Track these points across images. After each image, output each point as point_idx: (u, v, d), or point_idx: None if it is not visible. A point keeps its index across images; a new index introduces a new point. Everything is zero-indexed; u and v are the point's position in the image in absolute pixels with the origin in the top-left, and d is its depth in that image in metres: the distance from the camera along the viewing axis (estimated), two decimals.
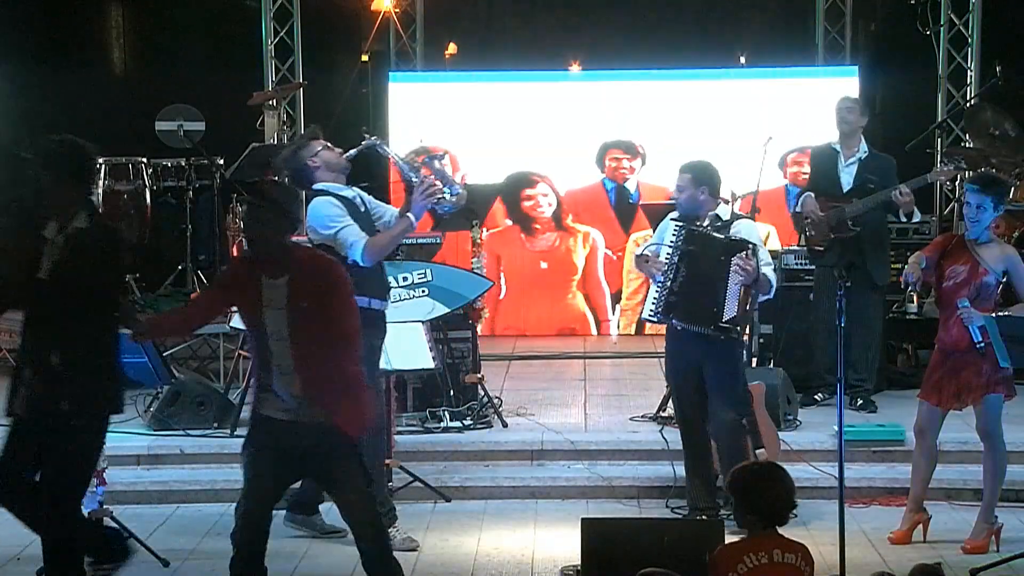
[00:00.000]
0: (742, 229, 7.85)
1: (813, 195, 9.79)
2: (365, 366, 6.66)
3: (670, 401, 8.78)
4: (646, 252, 7.96)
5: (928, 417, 7.70)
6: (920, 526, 7.74)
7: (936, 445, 7.77)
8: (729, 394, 7.84)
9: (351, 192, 7.70)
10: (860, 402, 9.70)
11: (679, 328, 7.86)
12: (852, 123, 9.70)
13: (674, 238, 7.82)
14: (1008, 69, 12.06)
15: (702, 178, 7.87)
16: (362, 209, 7.66)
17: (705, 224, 7.84)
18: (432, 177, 7.68)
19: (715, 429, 7.88)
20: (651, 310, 7.91)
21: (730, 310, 7.67)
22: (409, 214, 7.54)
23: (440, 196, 7.63)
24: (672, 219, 7.94)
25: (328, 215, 7.49)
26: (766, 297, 8.00)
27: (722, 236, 7.72)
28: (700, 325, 7.75)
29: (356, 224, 7.48)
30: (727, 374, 7.86)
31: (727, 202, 8.14)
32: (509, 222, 10.38)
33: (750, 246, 7.66)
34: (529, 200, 10.24)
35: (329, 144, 7.76)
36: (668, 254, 7.83)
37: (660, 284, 7.82)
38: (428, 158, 7.85)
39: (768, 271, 7.78)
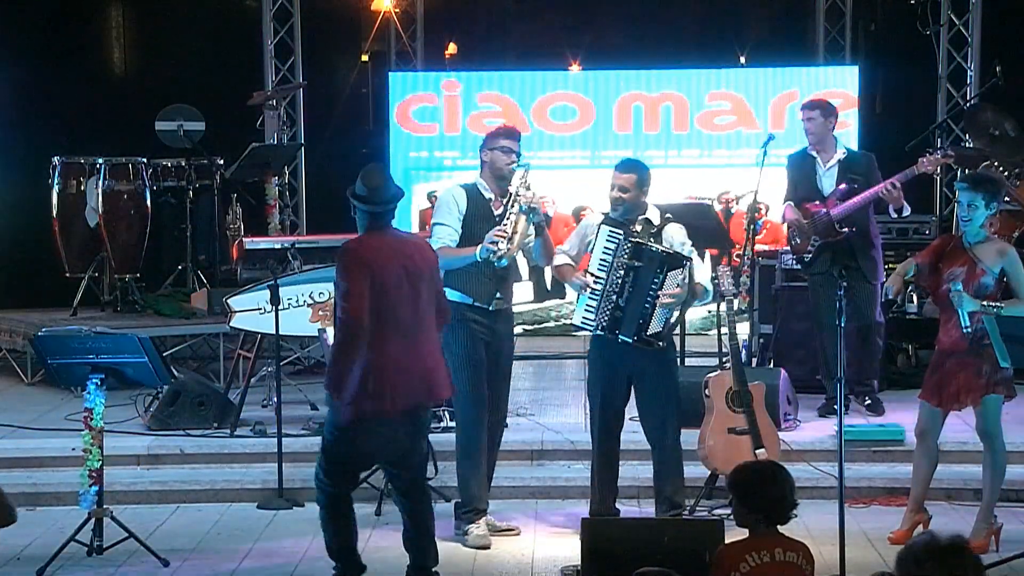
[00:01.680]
0: (674, 234, 7.81)
1: (793, 204, 9.72)
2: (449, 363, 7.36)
3: None
4: (569, 260, 7.96)
5: (929, 418, 7.70)
6: (920, 526, 7.73)
7: (937, 446, 7.77)
8: (671, 413, 7.89)
9: (491, 194, 7.83)
10: (868, 402, 9.65)
11: (610, 337, 7.80)
12: (817, 132, 9.56)
13: (615, 248, 7.71)
14: (1008, 69, 12.05)
15: (645, 178, 7.81)
16: (497, 212, 7.78)
17: (638, 229, 7.75)
18: (506, 230, 7.68)
19: (661, 452, 7.92)
20: (587, 320, 7.81)
21: (656, 325, 7.65)
22: (478, 247, 7.67)
23: (497, 252, 7.64)
24: (605, 224, 7.80)
25: (439, 207, 7.90)
26: (704, 302, 8.00)
27: (661, 249, 7.62)
28: (625, 335, 7.70)
29: (453, 226, 7.73)
30: (665, 391, 7.87)
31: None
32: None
33: (686, 263, 7.61)
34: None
35: (511, 147, 7.82)
36: (607, 264, 7.72)
37: (600, 296, 7.74)
38: (525, 208, 7.73)
39: (702, 276, 7.81)
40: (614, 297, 7.71)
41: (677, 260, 7.61)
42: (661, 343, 7.72)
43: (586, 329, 7.92)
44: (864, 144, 11.92)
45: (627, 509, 8.46)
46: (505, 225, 7.68)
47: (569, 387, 10.87)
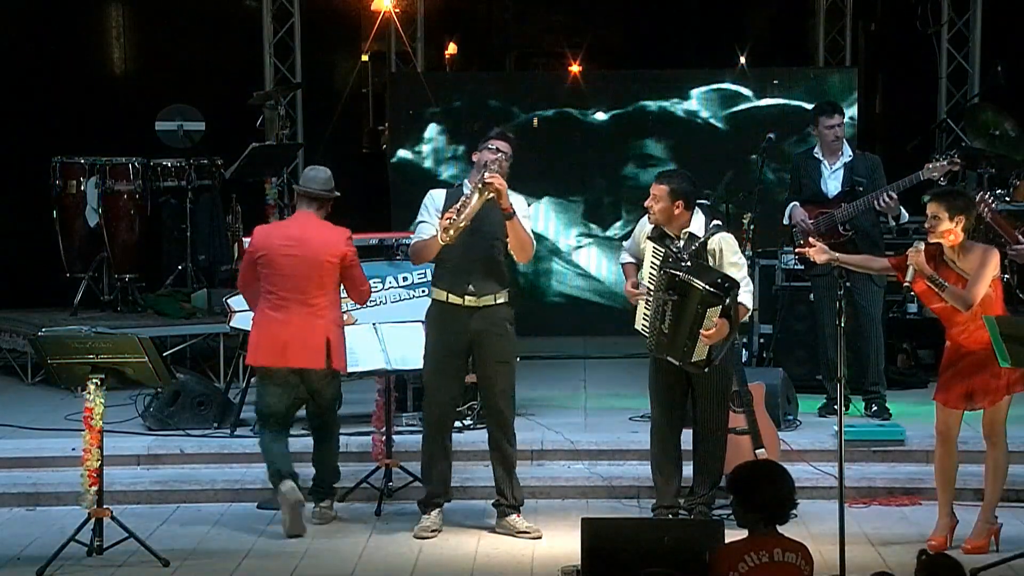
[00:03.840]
0: (720, 246, 7.77)
1: (799, 204, 9.71)
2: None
3: None
4: (632, 260, 8.00)
5: (946, 417, 7.65)
6: (950, 532, 7.67)
7: (957, 445, 7.72)
8: (720, 420, 7.95)
9: (467, 189, 7.84)
10: (875, 408, 9.58)
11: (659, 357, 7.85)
12: (841, 137, 9.59)
13: (657, 271, 7.70)
14: (1008, 69, 12.05)
15: (679, 191, 7.73)
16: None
17: (680, 245, 7.71)
18: (457, 207, 7.74)
19: (703, 455, 7.95)
20: (645, 328, 7.81)
21: (699, 354, 7.63)
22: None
23: (443, 225, 7.72)
24: (650, 239, 7.79)
25: (421, 208, 7.98)
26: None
27: (700, 286, 7.52)
28: (674, 358, 7.71)
29: (429, 221, 7.85)
30: (717, 398, 7.93)
31: (713, 208, 8.06)
32: None
33: (726, 301, 7.54)
34: None
35: (498, 147, 7.81)
36: (653, 277, 7.73)
37: (651, 312, 7.74)
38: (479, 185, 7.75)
39: (745, 297, 7.73)
40: (658, 323, 7.70)
41: (716, 298, 7.52)
42: (706, 370, 7.72)
43: (644, 336, 7.89)
44: (863, 145, 11.91)
45: (627, 509, 8.47)
46: (459, 204, 7.71)
47: (569, 387, 10.87)
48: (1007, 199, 10.86)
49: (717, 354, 7.68)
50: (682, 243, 7.73)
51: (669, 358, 7.73)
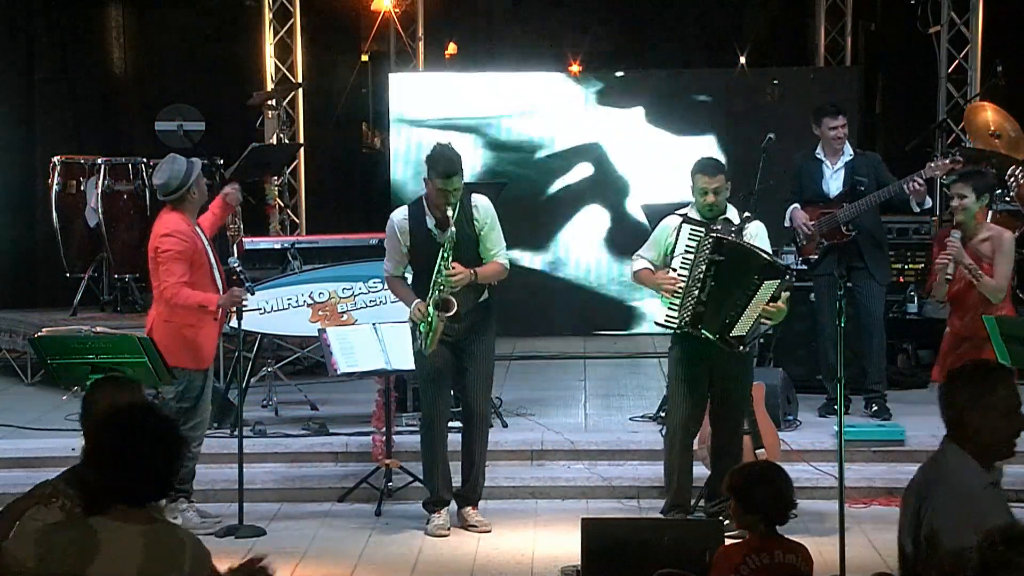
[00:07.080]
0: (755, 233, 7.79)
1: (798, 206, 9.69)
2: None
3: None
4: (648, 265, 7.86)
5: None
6: None
7: None
8: (741, 421, 7.93)
9: (432, 220, 7.93)
10: (875, 408, 9.57)
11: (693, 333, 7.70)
12: (844, 137, 9.60)
13: (698, 245, 7.61)
14: (1008, 69, 12.04)
15: (727, 175, 7.84)
16: (440, 238, 7.85)
17: (718, 227, 7.66)
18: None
19: (726, 457, 7.77)
20: (670, 318, 7.68)
21: (741, 328, 7.59)
22: (412, 307, 7.99)
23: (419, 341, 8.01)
24: (687, 223, 7.73)
25: (387, 236, 8.20)
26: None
27: (766, 256, 7.56)
28: (710, 331, 7.64)
29: (396, 260, 8.09)
30: (741, 396, 7.90)
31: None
32: None
33: (787, 276, 7.55)
34: None
35: (445, 187, 7.80)
36: (688, 261, 7.63)
37: (684, 293, 7.63)
38: (436, 311, 7.89)
39: None
40: (695, 292, 7.61)
41: (775, 271, 7.52)
42: (743, 347, 7.68)
43: (668, 327, 7.77)
44: (864, 144, 11.90)
45: (627, 509, 8.46)
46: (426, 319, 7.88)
47: (569, 387, 10.87)
48: (1007, 199, 10.85)
49: (751, 337, 7.66)
50: (719, 227, 7.71)
51: (704, 331, 7.59)
